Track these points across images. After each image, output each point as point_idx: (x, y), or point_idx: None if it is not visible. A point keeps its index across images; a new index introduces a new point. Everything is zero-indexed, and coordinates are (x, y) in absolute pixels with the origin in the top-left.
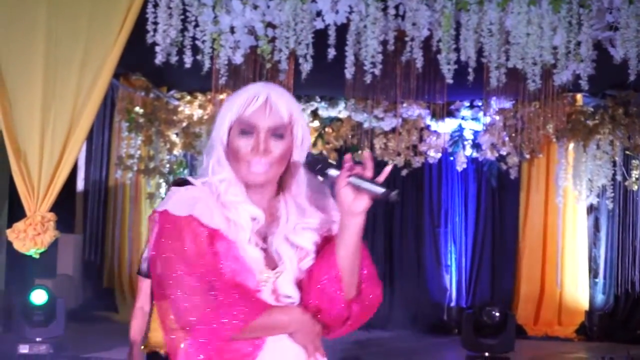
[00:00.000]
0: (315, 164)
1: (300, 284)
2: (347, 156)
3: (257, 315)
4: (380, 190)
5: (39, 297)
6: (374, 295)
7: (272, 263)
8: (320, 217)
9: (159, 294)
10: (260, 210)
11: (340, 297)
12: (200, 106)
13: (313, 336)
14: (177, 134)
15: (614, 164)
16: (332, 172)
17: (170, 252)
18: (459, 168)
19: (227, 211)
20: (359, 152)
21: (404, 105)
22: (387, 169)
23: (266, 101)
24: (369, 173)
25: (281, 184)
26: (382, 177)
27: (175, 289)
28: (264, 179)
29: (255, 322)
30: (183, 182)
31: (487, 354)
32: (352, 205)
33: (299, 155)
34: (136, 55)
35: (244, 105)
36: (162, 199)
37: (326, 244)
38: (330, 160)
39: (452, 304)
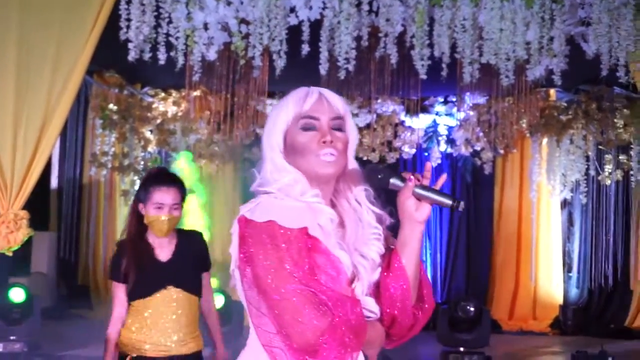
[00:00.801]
0: (377, 173)
1: (372, 296)
2: (407, 174)
3: (366, 331)
4: (449, 201)
5: (16, 295)
6: (432, 300)
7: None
8: (379, 226)
9: (259, 309)
10: (333, 210)
11: (410, 306)
12: (175, 103)
13: (380, 349)
14: (151, 131)
15: (587, 158)
16: (396, 181)
17: (290, 265)
18: (434, 163)
19: (319, 214)
20: None
21: (379, 101)
22: (444, 177)
23: (320, 95)
24: (426, 182)
25: (337, 190)
26: (438, 185)
27: (300, 304)
28: (334, 169)
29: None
30: (159, 172)
31: (462, 348)
32: (415, 214)
33: (351, 155)
34: (109, 52)
35: (299, 102)
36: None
37: (387, 254)
38: (388, 169)
39: None
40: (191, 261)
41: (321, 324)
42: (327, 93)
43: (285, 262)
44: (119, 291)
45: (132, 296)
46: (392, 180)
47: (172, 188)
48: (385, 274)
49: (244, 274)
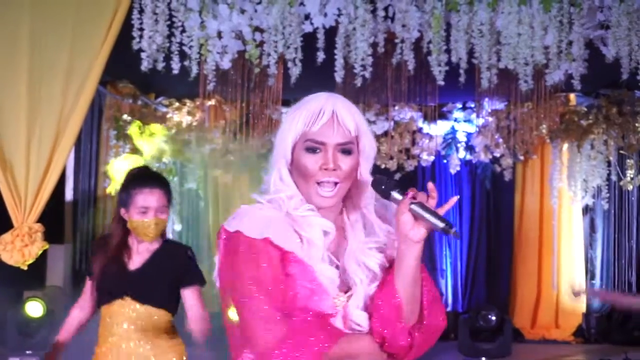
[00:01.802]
0: (380, 184)
1: (366, 311)
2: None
3: (333, 344)
4: (441, 224)
5: (33, 309)
6: (437, 322)
7: (344, 284)
8: (387, 236)
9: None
10: (331, 223)
11: (402, 325)
12: (189, 113)
13: None
14: (166, 142)
15: (609, 164)
16: (396, 195)
17: (246, 276)
18: (453, 171)
19: (298, 227)
20: None
21: (396, 108)
22: (453, 200)
23: (332, 115)
24: (432, 202)
25: (347, 199)
26: (446, 208)
27: (251, 315)
28: (332, 202)
29: (331, 351)
30: (141, 173)
31: (484, 358)
32: (410, 233)
33: (366, 169)
34: (123, 62)
35: (309, 120)
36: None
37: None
38: (394, 182)
39: (448, 308)
40: (163, 275)
41: (271, 336)
42: (342, 112)
43: (243, 271)
44: (88, 287)
45: (97, 300)
46: (393, 193)
47: (156, 189)
48: (378, 289)
49: (217, 283)
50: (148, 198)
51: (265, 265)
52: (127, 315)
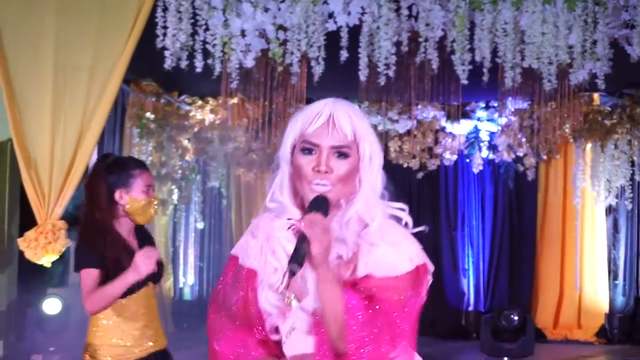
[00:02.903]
0: (311, 203)
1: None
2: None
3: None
4: (287, 265)
5: (52, 306)
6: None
7: (299, 294)
8: (350, 248)
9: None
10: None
11: (326, 350)
12: (212, 111)
13: None
14: (188, 140)
15: (632, 163)
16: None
17: (217, 285)
18: (475, 170)
19: (271, 247)
20: None
21: (419, 106)
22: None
23: (329, 119)
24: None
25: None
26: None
27: (208, 316)
28: (330, 197)
29: None
30: (122, 157)
31: (506, 358)
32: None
33: (368, 175)
34: (146, 61)
35: (306, 122)
36: (174, 205)
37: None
38: (324, 206)
39: (470, 308)
40: None
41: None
42: (339, 115)
43: (219, 282)
44: (96, 279)
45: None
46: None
47: (149, 171)
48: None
49: None
50: (149, 178)
51: (227, 278)
52: (147, 301)
